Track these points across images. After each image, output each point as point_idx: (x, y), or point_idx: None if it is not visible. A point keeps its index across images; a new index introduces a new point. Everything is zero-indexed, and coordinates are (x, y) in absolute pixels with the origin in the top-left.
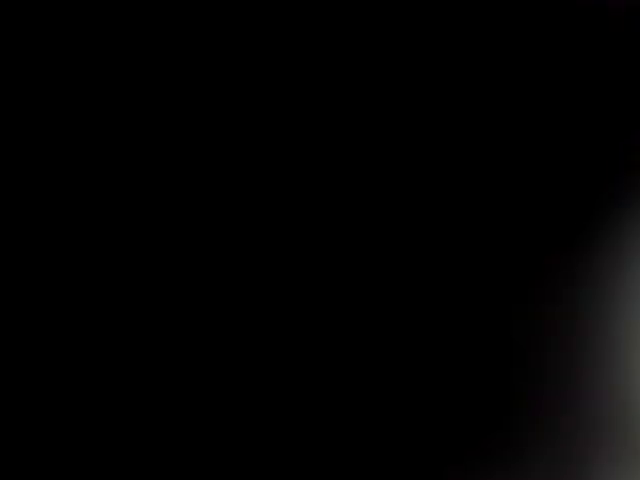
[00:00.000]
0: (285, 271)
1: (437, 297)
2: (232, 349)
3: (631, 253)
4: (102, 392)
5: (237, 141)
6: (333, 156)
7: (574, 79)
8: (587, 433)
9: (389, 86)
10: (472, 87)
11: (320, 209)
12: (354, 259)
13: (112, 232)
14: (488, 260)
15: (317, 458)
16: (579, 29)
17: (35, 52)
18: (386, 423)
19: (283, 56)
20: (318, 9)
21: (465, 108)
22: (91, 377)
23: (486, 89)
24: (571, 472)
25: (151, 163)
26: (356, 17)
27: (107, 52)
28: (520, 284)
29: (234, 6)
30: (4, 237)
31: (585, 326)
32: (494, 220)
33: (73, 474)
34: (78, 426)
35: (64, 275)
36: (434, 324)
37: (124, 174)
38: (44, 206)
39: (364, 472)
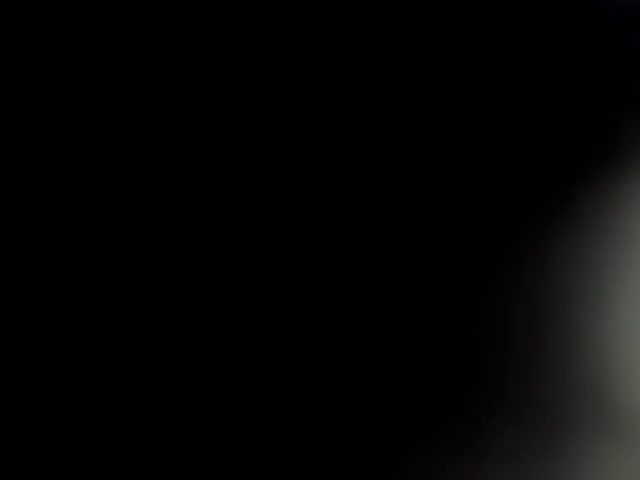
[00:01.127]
0: (283, 269)
1: (407, 281)
2: (232, 349)
3: (597, 237)
4: (102, 392)
5: (237, 141)
6: (329, 155)
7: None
8: (558, 403)
9: (379, 81)
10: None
11: (314, 207)
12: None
13: (112, 232)
14: (456, 244)
15: (313, 456)
16: (558, 20)
17: (35, 52)
18: (354, 401)
19: (283, 56)
20: (318, 9)
21: (446, 92)
22: (91, 377)
23: (462, 77)
24: (541, 443)
25: (151, 163)
26: (356, 17)
27: (107, 52)
28: (488, 267)
29: (234, 6)
30: (4, 237)
31: (555, 300)
32: (462, 204)
33: (73, 474)
34: (78, 426)
35: (64, 275)
36: (404, 305)
37: (124, 174)
38: (44, 206)
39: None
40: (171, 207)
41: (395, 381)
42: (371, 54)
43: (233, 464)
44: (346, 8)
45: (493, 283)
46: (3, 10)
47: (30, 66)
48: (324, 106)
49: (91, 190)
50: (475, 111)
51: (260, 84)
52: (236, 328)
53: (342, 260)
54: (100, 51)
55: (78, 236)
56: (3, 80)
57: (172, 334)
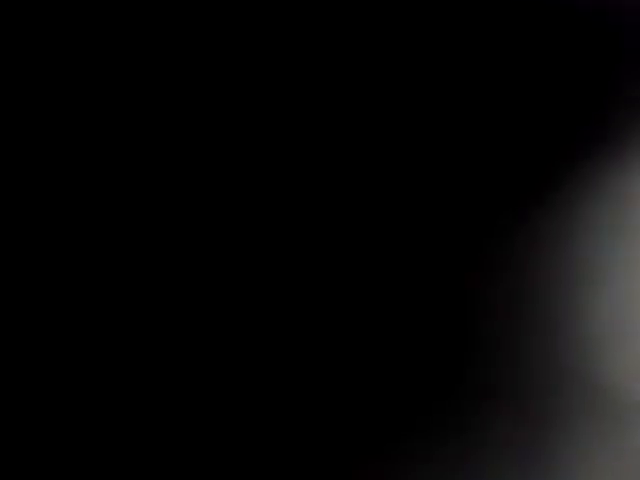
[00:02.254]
0: (282, 269)
1: (392, 264)
2: (232, 349)
3: (584, 223)
4: (102, 392)
5: (237, 141)
6: (328, 156)
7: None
8: (545, 389)
9: (373, 81)
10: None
11: (314, 207)
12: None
13: (112, 232)
14: (445, 234)
15: (312, 454)
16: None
17: (35, 52)
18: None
19: (283, 56)
20: (318, 9)
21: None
22: (91, 377)
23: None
24: (531, 426)
25: (151, 163)
26: (355, 17)
27: (107, 52)
28: (473, 249)
29: (234, 6)
30: (4, 237)
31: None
32: (444, 186)
33: (73, 474)
34: (78, 426)
35: (64, 275)
36: (391, 290)
37: (124, 174)
38: (44, 206)
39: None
40: (171, 207)
41: (384, 371)
42: (370, 54)
43: (233, 464)
44: (346, 8)
45: (480, 271)
46: (3, 10)
47: (30, 66)
48: (324, 106)
49: (91, 190)
50: (469, 105)
51: (260, 84)
52: (236, 328)
53: (337, 252)
54: (100, 51)
55: (78, 236)
56: (3, 80)
57: (172, 334)
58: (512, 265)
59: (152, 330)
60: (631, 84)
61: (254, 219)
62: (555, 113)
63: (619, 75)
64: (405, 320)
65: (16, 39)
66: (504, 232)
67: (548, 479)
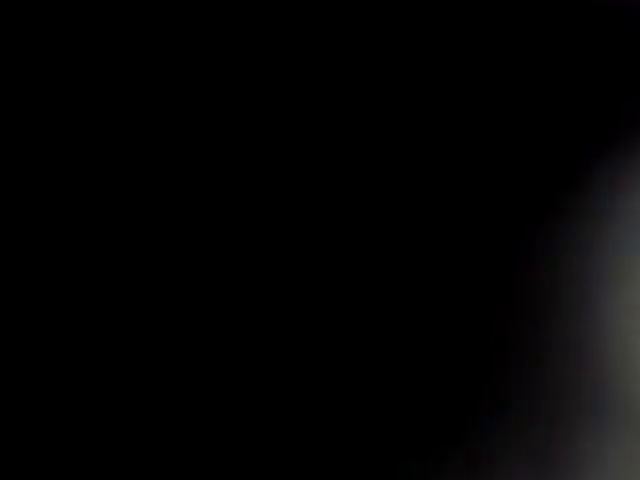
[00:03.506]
0: (282, 269)
1: (419, 276)
2: (232, 349)
3: (602, 228)
4: (102, 392)
5: (237, 141)
6: (329, 156)
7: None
8: (566, 394)
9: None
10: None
11: (318, 210)
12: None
13: (112, 232)
14: (459, 237)
15: (312, 453)
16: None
17: (35, 52)
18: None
19: (283, 56)
20: (318, 9)
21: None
22: (91, 377)
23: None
24: (550, 433)
25: (151, 163)
26: (355, 17)
27: (107, 52)
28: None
29: (234, 6)
30: (4, 237)
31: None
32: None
33: (73, 474)
34: (78, 426)
35: (64, 275)
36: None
37: (124, 174)
38: (44, 206)
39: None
40: (171, 207)
41: (392, 375)
42: (370, 54)
43: (233, 464)
44: (346, 9)
45: (496, 276)
46: (3, 10)
47: (30, 66)
48: (324, 106)
49: (91, 190)
50: (479, 108)
51: (260, 84)
52: (236, 328)
53: (343, 253)
54: (100, 51)
55: (78, 236)
56: (3, 80)
57: (172, 334)
58: (531, 272)
59: (152, 330)
60: None
61: (258, 219)
62: (571, 120)
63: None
64: (419, 325)
65: (16, 39)
66: (522, 240)
67: None
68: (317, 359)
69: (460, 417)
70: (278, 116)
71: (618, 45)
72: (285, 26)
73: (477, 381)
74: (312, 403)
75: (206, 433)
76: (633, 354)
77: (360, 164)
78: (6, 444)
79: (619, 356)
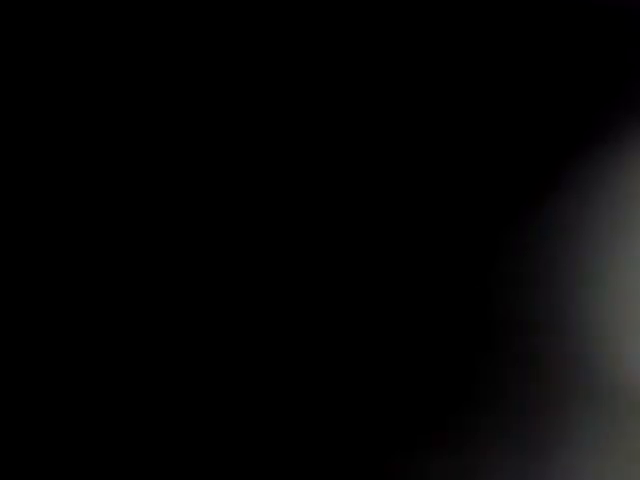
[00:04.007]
0: (282, 270)
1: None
2: (232, 349)
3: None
4: (102, 392)
5: (237, 141)
6: (328, 155)
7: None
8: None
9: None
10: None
11: (310, 207)
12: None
13: (112, 232)
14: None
15: (313, 452)
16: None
17: (35, 52)
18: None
19: (283, 56)
20: (318, 9)
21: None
22: (91, 377)
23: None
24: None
25: (151, 163)
26: (354, 17)
27: (107, 52)
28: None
29: (234, 6)
30: (4, 237)
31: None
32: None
33: (73, 474)
34: (78, 426)
35: (64, 275)
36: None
37: (124, 174)
38: (44, 206)
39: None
40: (171, 207)
41: (389, 371)
42: (368, 52)
43: (233, 464)
44: (346, 8)
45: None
46: (3, 10)
47: (30, 66)
48: (324, 106)
49: (91, 190)
50: (473, 104)
51: (260, 84)
52: (236, 328)
53: (336, 237)
54: (100, 51)
55: (78, 236)
56: (3, 80)
57: (172, 334)
58: (524, 256)
59: (152, 330)
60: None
61: (258, 219)
62: (558, 111)
63: (622, 74)
64: (412, 313)
65: (16, 39)
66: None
67: (557, 476)
68: (313, 359)
69: (448, 403)
70: (278, 116)
71: (609, 45)
72: (285, 26)
73: (466, 366)
74: (303, 400)
75: (204, 432)
76: (625, 337)
77: (347, 154)
78: (6, 444)
79: (610, 340)
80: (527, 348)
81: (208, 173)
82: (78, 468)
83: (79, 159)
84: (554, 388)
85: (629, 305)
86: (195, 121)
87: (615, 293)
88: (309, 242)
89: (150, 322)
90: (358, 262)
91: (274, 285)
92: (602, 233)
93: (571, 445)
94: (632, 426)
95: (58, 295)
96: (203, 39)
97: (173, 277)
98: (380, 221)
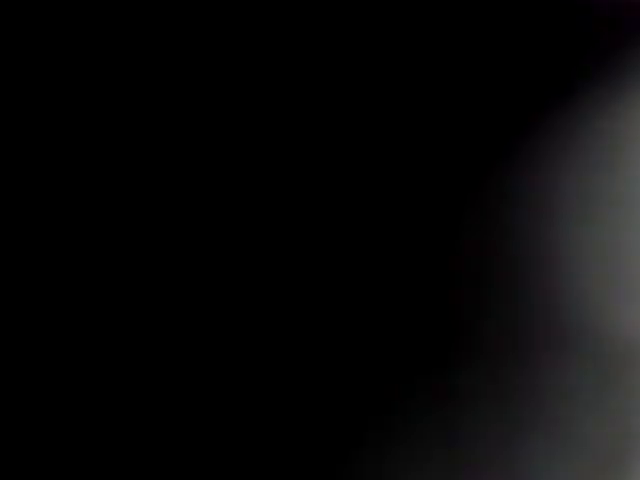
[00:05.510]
0: (283, 270)
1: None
2: (232, 349)
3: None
4: (102, 392)
5: (237, 141)
6: (328, 155)
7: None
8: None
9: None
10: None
11: (313, 208)
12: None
13: (112, 232)
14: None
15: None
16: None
17: (35, 52)
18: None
19: (283, 56)
20: (318, 9)
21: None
22: (91, 377)
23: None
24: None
25: (151, 163)
26: (354, 17)
27: (107, 52)
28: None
29: (234, 6)
30: (4, 237)
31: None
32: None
33: (73, 474)
34: (78, 426)
35: (64, 275)
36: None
37: (124, 174)
38: (44, 206)
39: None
40: (171, 207)
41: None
42: (366, 51)
43: (233, 464)
44: (346, 8)
45: (474, 208)
46: (3, 10)
47: (30, 66)
48: (324, 106)
49: (91, 190)
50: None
51: (260, 84)
52: (236, 328)
53: (332, 245)
54: (100, 51)
55: (78, 236)
56: (3, 80)
57: (172, 334)
58: (507, 202)
59: (152, 330)
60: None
61: (254, 219)
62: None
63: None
64: (398, 303)
65: (16, 39)
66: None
67: (548, 433)
68: (312, 360)
69: (429, 353)
70: (278, 116)
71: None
72: (285, 26)
73: (447, 317)
74: (302, 398)
75: (206, 433)
76: (605, 290)
77: (347, 152)
78: (6, 444)
79: (591, 293)
80: (528, 314)
81: (208, 173)
82: (78, 468)
83: (79, 159)
84: (555, 354)
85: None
86: (195, 121)
87: (601, 246)
88: (312, 239)
89: (150, 322)
90: (364, 259)
91: (274, 284)
92: (586, 171)
93: (552, 395)
94: (616, 378)
95: (58, 295)
96: (203, 39)
97: (173, 277)
98: (386, 217)
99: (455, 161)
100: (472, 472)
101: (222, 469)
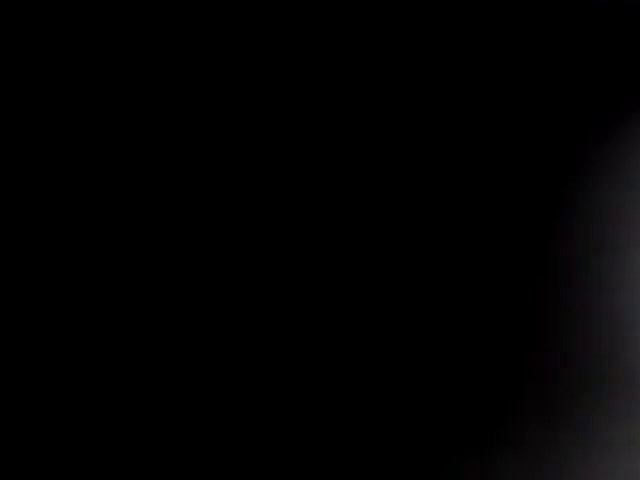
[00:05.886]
0: (284, 271)
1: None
2: (232, 349)
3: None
4: (102, 392)
5: (237, 141)
6: (328, 155)
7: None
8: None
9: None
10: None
11: (317, 208)
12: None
13: (112, 232)
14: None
15: (316, 455)
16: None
17: (35, 52)
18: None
19: (283, 56)
20: (318, 9)
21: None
22: (91, 377)
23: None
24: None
25: (151, 163)
26: (355, 17)
27: (107, 52)
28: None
29: (234, 6)
30: (4, 237)
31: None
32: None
33: (73, 474)
34: (78, 426)
35: (64, 275)
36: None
37: (124, 174)
38: (44, 206)
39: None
40: (171, 207)
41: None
42: (366, 51)
43: (233, 464)
44: (346, 8)
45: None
46: (3, 10)
47: (30, 66)
48: (324, 106)
49: (91, 190)
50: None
51: (260, 84)
52: (236, 328)
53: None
54: (100, 51)
55: (78, 236)
56: (3, 80)
57: (172, 334)
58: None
59: (152, 330)
60: None
61: (257, 219)
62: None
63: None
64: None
65: (16, 39)
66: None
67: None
68: (314, 360)
69: (469, 399)
70: (278, 116)
71: (616, 44)
72: (285, 26)
73: (489, 352)
74: (305, 401)
75: (206, 433)
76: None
77: (350, 152)
78: (6, 444)
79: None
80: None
81: (208, 173)
82: (78, 468)
83: (79, 159)
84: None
85: None
86: (195, 121)
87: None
88: (327, 241)
89: (150, 322)
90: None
91: (274, 284)
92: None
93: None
94: None
95: (58, 295)
96: (203, 39)
97: (173, 276)
98: (387, 221)
99: (542, 177)
100: None
101: (222, 469)
